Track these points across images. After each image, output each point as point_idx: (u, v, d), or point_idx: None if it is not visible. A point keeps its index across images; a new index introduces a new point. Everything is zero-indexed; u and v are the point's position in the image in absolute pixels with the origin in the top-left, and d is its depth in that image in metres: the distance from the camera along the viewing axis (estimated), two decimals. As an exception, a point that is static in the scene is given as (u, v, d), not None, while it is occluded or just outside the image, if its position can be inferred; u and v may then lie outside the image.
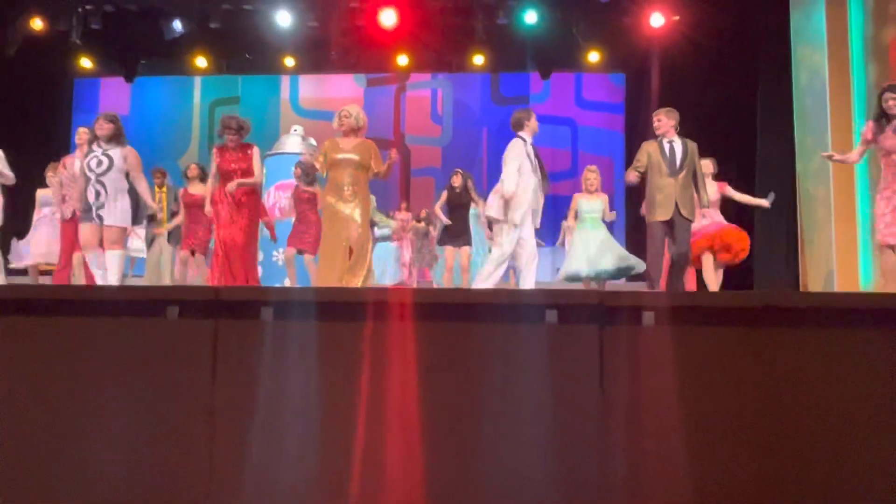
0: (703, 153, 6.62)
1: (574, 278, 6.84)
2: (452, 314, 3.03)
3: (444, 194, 7.65)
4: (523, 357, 2.97)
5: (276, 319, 3.09)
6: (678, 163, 5.40)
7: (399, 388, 2.96)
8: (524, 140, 5.47)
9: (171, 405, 3.04)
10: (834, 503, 2.75)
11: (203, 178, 7.20)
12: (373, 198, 8.30)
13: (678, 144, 5.48)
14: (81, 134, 6.02)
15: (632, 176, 5.57)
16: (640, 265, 6.64)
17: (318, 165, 5.13)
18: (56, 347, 3.11)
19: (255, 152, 5.58)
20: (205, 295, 3.17)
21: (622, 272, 6.77)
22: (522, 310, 3.01)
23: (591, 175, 6.98)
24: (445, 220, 7.42)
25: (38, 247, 6.60)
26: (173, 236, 7.57)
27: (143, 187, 5.22)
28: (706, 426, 2.86)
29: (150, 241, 7.71)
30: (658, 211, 5.39)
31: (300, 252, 6.91)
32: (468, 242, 7.45)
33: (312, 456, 2.93)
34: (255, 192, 5.53)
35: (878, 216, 5.10)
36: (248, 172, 5.48)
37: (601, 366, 2.94)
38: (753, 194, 8.62)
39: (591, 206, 6.89)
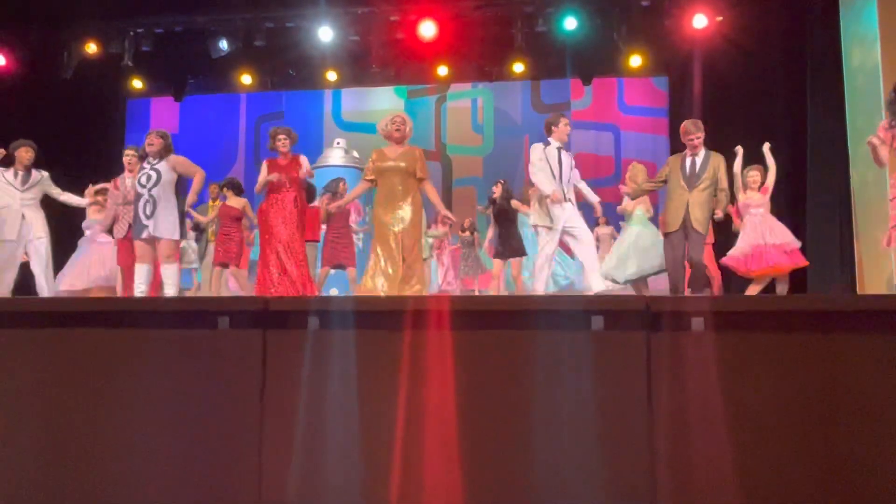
0: (749, 157, 6.48)
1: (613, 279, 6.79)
2: (494, 322, 3.04)
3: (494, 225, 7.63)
4: (568, 365, 2.96)
5: (322, 328, 3.15)
6: (696, 175, 5.47)
7: (439, 397, 2.98)
8: (546, 144, 5.51)
9: (222, 413, 3.12)
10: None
11: (240, 191, 7.38)
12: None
13: (701, 157, 5.51)
14: (128, 155, 6.21)
15: (624, 189, 5.84)
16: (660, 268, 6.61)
17: (366, 179, 5.22)
18: (112, 358, 3.22)
19: (304, 160, 5.70)
20: (254, 305, 3.25)
21: (642, 274, 6.68)
22: (567, 316, 3.00)
23: (639, 173, 6.91)
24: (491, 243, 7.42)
25: (74, 271, 6.61)
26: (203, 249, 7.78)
27: (198, 178, 5.34)
28: (756, 434, 2.80)
29: (202, 253, 7.90)
30: (669, 222, 5.52)
31: (223, 265, 7.06)
32: (517, 253, 7.42)
33: (355, 460, 2.97)
34: (299, 194, 5.62)
35: None
36: (296, 181, 5.59)
37: (648, 373, 2.91)
38: (805, 197, 8.38)
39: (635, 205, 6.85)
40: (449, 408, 2.97)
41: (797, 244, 6.15)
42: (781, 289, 6.21)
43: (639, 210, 6.85)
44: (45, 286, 5.89)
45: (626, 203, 6.94)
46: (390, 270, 4.96)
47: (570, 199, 5.50)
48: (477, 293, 9.37)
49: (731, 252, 6.27)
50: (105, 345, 3.21)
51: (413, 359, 3.02)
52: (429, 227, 9.33)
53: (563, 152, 5.57)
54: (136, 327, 3.22)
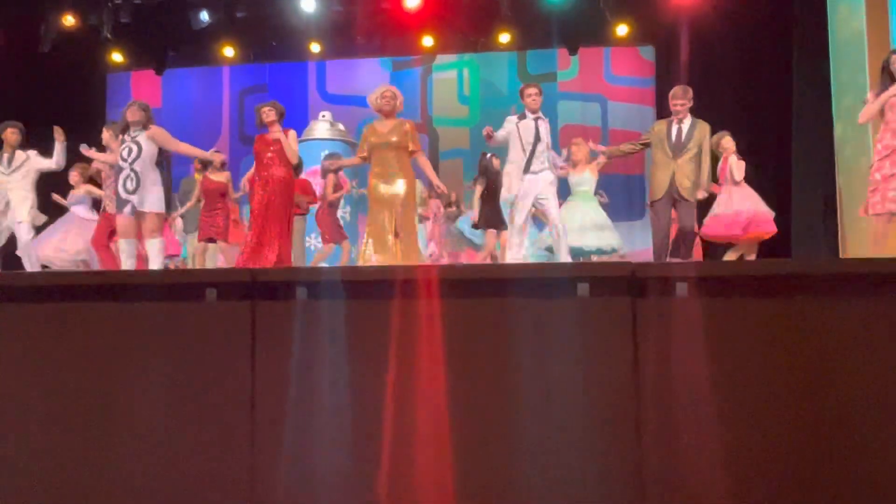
0: (735, 125, 6.51)
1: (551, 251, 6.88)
2: (481, 290, 3.06)
3: (481, 182, 7.56)
4: (555, 332, 2.99)
5: (311, 299, 3.16)
6: (682, 144, 5.44)
7: (429, 365, 3.01)
8: (522, 116, 5.55)
9: (212, 386, 3.13)
10: (876, 478, 2.72)
11: (222, 167, 7.33)
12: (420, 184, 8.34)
13: (687, 125, 5.50)
14: (105, 136, 6.10)
15: (600, 147, 5.93)
16: (621, 246, 6.75)
17: (358, 155, 5.20)
18: (99, 332, 3.21)
19: (293, 134, 5.65)
20: (241, 277, 3.25)
21: (601, 251, 6.75)
22: (553, 284, 3.02)
23: (574, 148, 6.96)
24: (476, 219, 7.37)
25: (53, 240, 6.53)
26: (190, 223, 7.73)
27: (184, 148, 5.29)
28: (742, 401, 2.84)
29: (192, 227, 7.84)
30: (655, 189, 5.52)
31: (210, 240, 7.07)
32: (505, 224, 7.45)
33: (346, 429, 3.00)
34: (287, 172, 5.58)
35: (881, 180, 5.03)
36: (283, 154, 5.55)
37: (634, 339, 2.94)
38: (790, 168, 8.45)
39: (579, 179, 6.85)
40: (438, 376, 3.00)
41: (771, 214, 6.26)
42: (751, 255, 6.31)
43: (587, 174, 6.84)
44: (28, 268, 5.85)
45: (575, 172, 6.92)
46: (384, 247, 4.98)
47: (548, 170, 5.53)
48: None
49: (709, 221, 6.33)
50: (89, 319, 3.20)
51: (402, 328, 3.04)
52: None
53: (542, 124, 5.57)
54: (121, 301, 3.21)
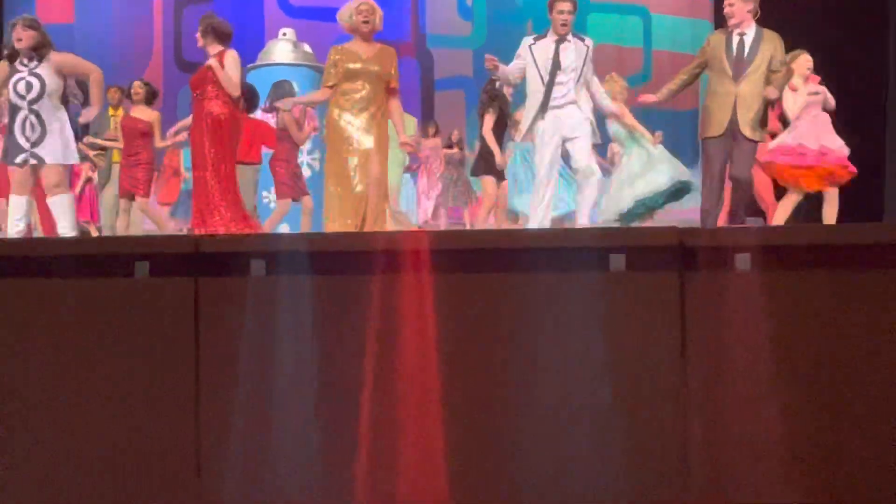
0: (814, 46, 6.40)
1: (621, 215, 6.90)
2: (487, 263, 3.06)
3: (491, 112, 7.44)
4: (580, 315, 3.00)
5: (270, 274, 3.16)
6: (746, 62, 5.27)
7: (418, 358, 3.02)
8: (539, 37, 5.47)
9: (146, 383, 3.15)
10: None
11: (151, 99, 7.24)
12: (412, 119, 8.27)
13: (750, 36, 5.33)
14: None
15: (649, 98, 5.70)
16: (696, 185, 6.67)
17: (326, 87, 5.10)
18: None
19: (231, 57, 5.53)
20: (181, 247, 3.24)
21: (677, 193, 6.73)
22: (579, 255, 3.02)
23: (616, 86, 6.88)
24: (497, 153, 7.28)
25: None
26: (102, 172, 7.69)
27: (95, 81, 5.18)
28: (813, 398, 2.88)
29: (105, 180, 7.80)
30: (711, 124, 5.31)
31: (130, 197, 7.08)
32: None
33: (314, 435, 3.03)
34: (230, 107, 5.50)
35: None
36: (219, 83, 5.46)
37: (682, 324, 2.96)
38: (883, 105, 8.37)
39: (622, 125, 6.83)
40: (430, 372, 3.01)
41: (847, 151, 6.16)
42: (830, 212, 6.22)
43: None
44: None
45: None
46: (350, 210, 4.95)
47: (576, 104, 5.45)
48: (469, 228, 9.39)
49: (767, 154, 6.21)
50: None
51: (384, 311, 3.05)
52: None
53: (566, 47, 5.45)
54: (22, 276, 3.20)
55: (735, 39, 5.33)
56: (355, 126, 5.01)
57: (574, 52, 5.44)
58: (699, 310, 2.95)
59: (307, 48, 9.91)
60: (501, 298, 3.04)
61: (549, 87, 5.40)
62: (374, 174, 5.01)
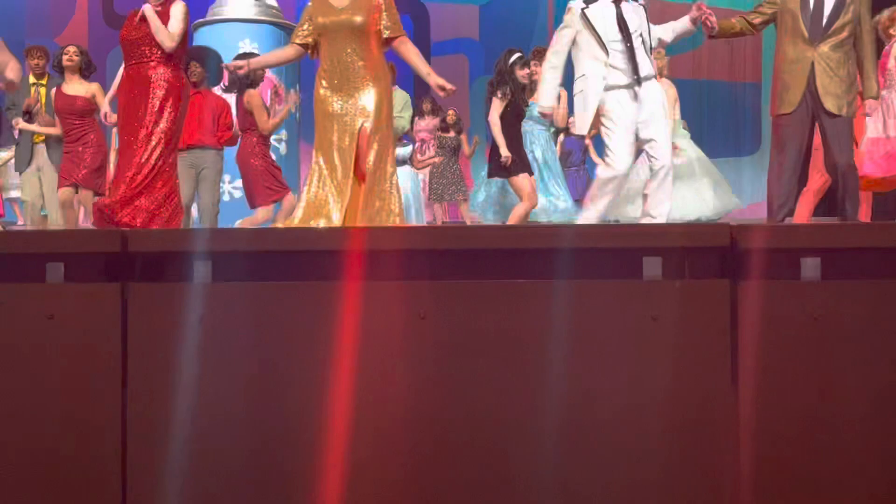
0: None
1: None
2: (491, 267, 3.07)
3: (500, 96, 7.41)
4: (606, 333, 3.01)
5: (218, 280, 3.17)
6: (826, 20, 5.19)
7: (403, 384, 3.03)
8: (586, 3, 5.35)
9: (65, 410, 3.15)
10: None
11: (87, 70, 7.25)
12: (405, 95, 8.27)
13: None
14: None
15: (703, 12, 5.53)
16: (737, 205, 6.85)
17: (297, 42, 5.07)
18: None
19: (179, 7, 5.55)
20: (105, 244, 3.24)
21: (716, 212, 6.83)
22: (605, 257, 3.04)
23: (658, 64, 6.86)
24: (504, 150, 7.28)
25: None
26: (53, 156, 7.71)
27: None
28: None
29: (24, 164, 7.81)
30: (784, 98, 5.28)
31: (73, 186, 7.15)
32: (527, 167, 7.41)
33: (265, 477, 3.05)
34: (172, 69, 5.51)
35: None
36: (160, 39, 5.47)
37: (733, 344, 2.97)
38: None
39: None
40: (420, 402, 3.03)
41: None
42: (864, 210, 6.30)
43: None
44: None
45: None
46: (337, 194, 4.93)
47: (647, 78, 5.36)
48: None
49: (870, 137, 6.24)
50: None
51: (359, 325, 3.05)
52: (412, 123, 9.28)
53: (626, 7, 5.39)
54: None
55: None
56: (344, 97, 5.00)
57: (634, 14, 5.37)
58: (754, 327, 2.95)
59: (271, 1, 9.94)
60: (511, 310, 3.05)
61: (631, 54, 5.29)
62: (374, 151, 4.99)
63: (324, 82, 5.05)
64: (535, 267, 3.06)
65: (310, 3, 5.11)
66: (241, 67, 5.50)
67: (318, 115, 5.08)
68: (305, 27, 5.09)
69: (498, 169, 7.25)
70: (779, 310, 2.97)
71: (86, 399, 3.15)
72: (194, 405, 3.09)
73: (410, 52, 5.11)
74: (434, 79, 5.08)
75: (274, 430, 3.08)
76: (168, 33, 5.53)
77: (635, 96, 5.28)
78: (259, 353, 3.12)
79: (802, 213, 6.18)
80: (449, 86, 5.07)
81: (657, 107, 5.34)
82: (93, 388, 3.16)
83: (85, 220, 7.54)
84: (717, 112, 9.42)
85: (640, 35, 5.33)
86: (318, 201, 4.91)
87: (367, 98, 4.98)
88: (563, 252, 3.06)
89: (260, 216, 7.44)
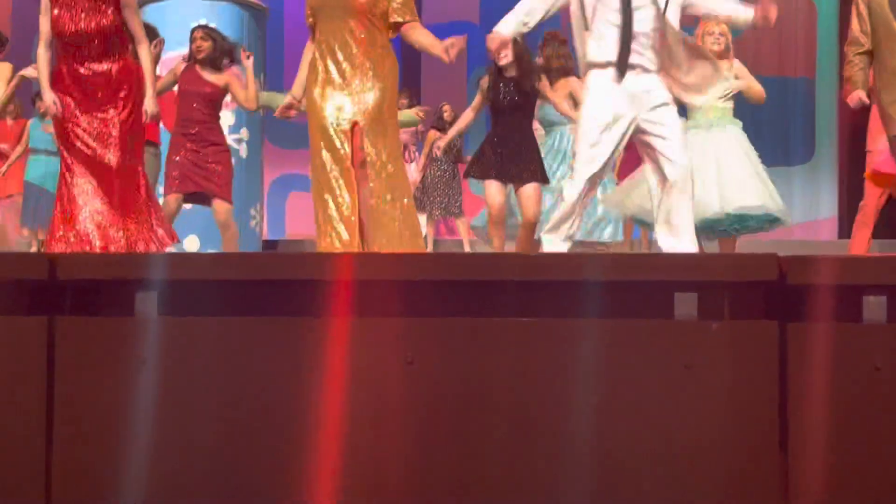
0: None
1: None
2: (496, 303, 3.09)
3: (483, 87, 7.49)
4: (626, 385, 3.02)
5: (165, 314, 3.18)
6: None
7: (385, 443, 3.03)
8: None
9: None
10: None
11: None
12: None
13: None
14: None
15: (854, 97, 5.60)
16: (787, 217, 6.83)
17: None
18: None
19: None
20: (28, 270, 3.26)
21: (765, 221, 6.82)
22: (631, 293, 3.05)
23: (716, 30, 6.86)
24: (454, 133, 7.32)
25: None
26: None
27: None
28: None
29: None
30: (890, 116, 5.43)
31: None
32: (536, 176, 7.39)
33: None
34: (128, 62, 5.52)
35: None
36: (116, 30, 5.48)
37: (781, 398, 2.97)
38: None
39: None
40: (420, 467, 3.04)
41: None
42: None
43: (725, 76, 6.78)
44: None
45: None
46: (345, 207, 4.93)
47: (654, 72, 5.35)
48: (469, 246, 9.46)
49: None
50: None
51: (343, 369, 3.07)
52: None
53: None
54: None
55: None
56: (340, 95, 5.01)
57: None
58: (807, 378, 2.96)
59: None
60: (521, 353, 3.06)
61: (624, 46, 5.23)
62: (381, 152, 5.00)
63: (316, 76, 5.05)
64: (547, 303, 3.09)
65: None
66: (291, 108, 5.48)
67: (311, 120, 5.09)
68: (308, 10, 5.13)
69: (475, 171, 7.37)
70: (836, 357, 2.97)
71: (2, 457, 3.16)
72: (137, 465, 3.08)
73: (422, 37, 5.12)
74: (439, 46, 5.10)
75: (236, 498, 3.08)
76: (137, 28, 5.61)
77: (632, 92, 5.25)
78: (219, 402, 3.13)
79: (860, 236, 6.22)
80: (452, 42, 5.07)
81: (661, 104, 5.27)
82: (10, 443, 3.16)
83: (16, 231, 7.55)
84: (763, 112, 9.40)
85: (650, 23, 5.24)
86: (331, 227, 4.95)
87: (367, 93, 4.99)
88: (577, 285, 3.08)
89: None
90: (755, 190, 6.72)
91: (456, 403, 3.07)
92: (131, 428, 3.11)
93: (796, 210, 11.95)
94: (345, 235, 4.86)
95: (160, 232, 5.46)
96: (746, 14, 5.31)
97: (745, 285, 3.02)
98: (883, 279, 2.99)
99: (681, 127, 5.34)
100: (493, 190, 7.23)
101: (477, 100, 7.48)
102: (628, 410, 3.01)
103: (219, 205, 7.14)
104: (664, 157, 5.10)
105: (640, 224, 7.30)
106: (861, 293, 2.98)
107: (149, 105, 5.46)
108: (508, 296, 3.13)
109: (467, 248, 9.53)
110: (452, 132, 8.01)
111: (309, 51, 5.26)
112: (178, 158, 7.14)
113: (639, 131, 5.12)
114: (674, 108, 5.23)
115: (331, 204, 4.94)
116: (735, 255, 4.55)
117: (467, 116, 7.72)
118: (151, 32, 7.23)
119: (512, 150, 7.18)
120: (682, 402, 3.00)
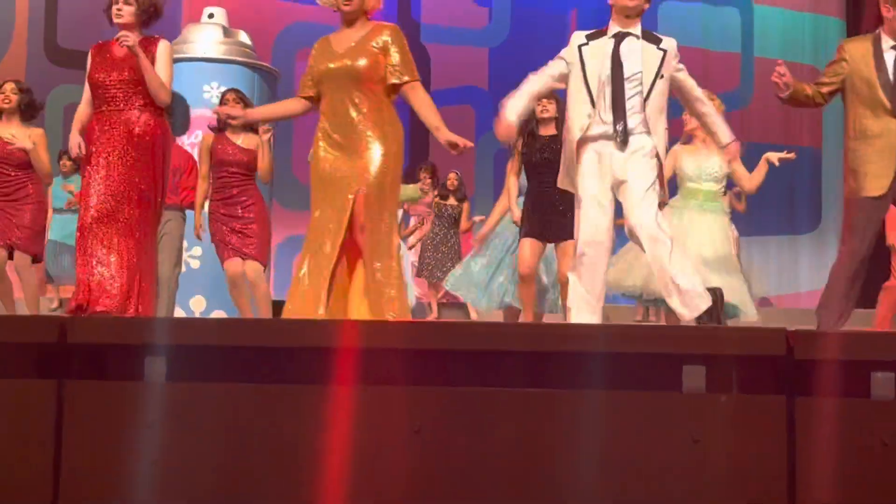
0: None
1: (632, 295, 7.07)
2: (503, 374, 3.09)
3: (519, 146, 7.47)
4: (632, 459, 3.01)
5: (173, 380, 3.18)
6: None
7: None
8: (595, 35, 5.40)
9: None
10: None
11: (29, 113, 7.25)
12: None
13: None
14: None
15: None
16: (751, 311, 6.80)
17: (304, 94, 5.08)
18: None
19: (164, 48, 5.57)
20: (39, 333, 3.26)
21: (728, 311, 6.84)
22: (639, 365, 3.05)
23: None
24: (514, 209, 7.34)
25: None
26: None
27: None
28: None
29: None
30: (870, 179, 5.34)
31: (7, 248, 7.10)
32: (569, 233, 7.40)
33: None
34: (156, 118, 5.53)
35: None
36: (148, 83, 5.49)
37: (790, 473, 2.96)
38: None
39: (703, 166, 6.94)
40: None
41: None
42: None
43: (715, 161, 6.82)
44: None
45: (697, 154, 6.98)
46: (327, 274, 4.93)
47: (645, 133, 5.37)
48: (475, 315, 9.45)
49: None
50: None
51: (348, 438, 3.06)
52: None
53: (632, 43, 5.44)
54: None
55: (891, 54, 5.38)
56: (344, 158, 5.01)
57: (641, 55, 5.40)
58: (815, 454, 2.95)
59: (244, 37, 10.02)
60: (527, 427, 3.06)
61: (617, 106, 5.27)
62: (374, 221, 4.99)
63: (322, 143, 5.08)
64: (554, 373, 3.08)
65: (313, 48, 5.18)
66: (235, 118, 5.56)
67: (314, 181, 5.11)
68: (309, 77, 5.15)
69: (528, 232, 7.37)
70: (844, 432, 2.96)
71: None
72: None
73: (421, 100, 5.08)
74: (444, 134, 5.01)
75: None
76: (165, 88, 5.59)
77: (619, 153, 5.27)
78: (225, 469, 3.11)
79: (885, 311, 6.20)
80: (462, 142, 5.00)
81: (641, 163, 5.27)
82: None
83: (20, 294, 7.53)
84: (770, 181, 9.42)
85: (639, 83, 5.28)
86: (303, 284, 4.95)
87: (369, 159, 5.00)
88: (585, 356, 3.08)
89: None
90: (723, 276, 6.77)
91: (462, 473, 3.05)
92: (137, 493, 3.11)
93: (802, 279, 11.95)
94: (309, 299, 4.91)
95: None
96: (724, 137, 5.41)
97: (753, 359, 3.02)
98: (890, 355, 2.99)
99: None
100: (527, 249, 7.22)
101: (514, 163, 7.44)
102: (635, 483, 2.99)
103: (251, 266, 7.15)
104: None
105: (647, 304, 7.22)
106: (869, 369, 2.97)
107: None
108: (516, 366, 3.12)
109: (473, 315, 9.50)
110: (499, 212, 7.85)
111: (292, 101, 5.41)
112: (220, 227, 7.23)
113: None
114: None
115: (304, 267, 4.99)
116: (744, 329, 4.55)
117: (511, 184, 7.63)
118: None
119: (548, 207, 7.21)
120: (690, 475, 2.98)
